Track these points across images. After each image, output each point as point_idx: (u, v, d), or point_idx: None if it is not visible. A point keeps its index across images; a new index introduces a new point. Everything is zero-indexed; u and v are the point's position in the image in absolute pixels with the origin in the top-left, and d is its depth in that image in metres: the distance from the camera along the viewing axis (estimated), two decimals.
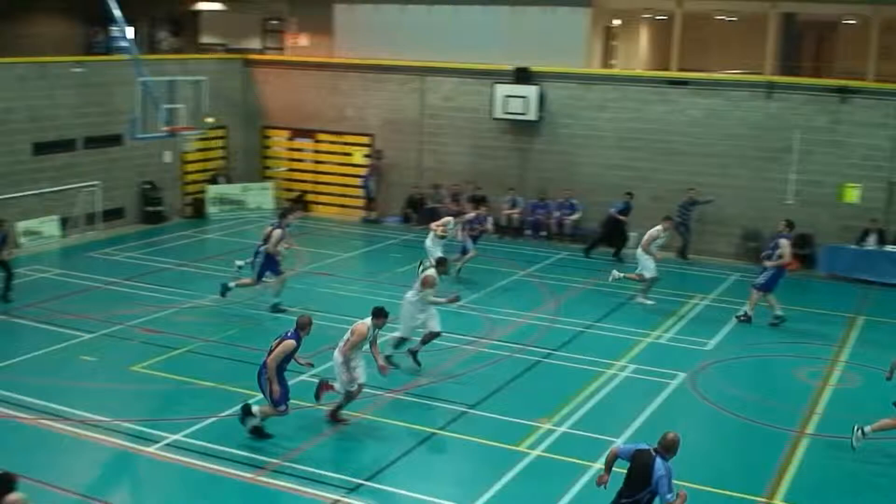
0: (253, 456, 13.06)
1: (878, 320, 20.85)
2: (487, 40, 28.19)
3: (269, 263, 19.61)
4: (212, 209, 29.71)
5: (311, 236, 27.15)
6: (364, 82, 30.05)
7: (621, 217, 25.50)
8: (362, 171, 30.03)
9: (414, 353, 16.54)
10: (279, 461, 12.94)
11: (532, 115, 27.46)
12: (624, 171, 27.03)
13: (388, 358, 15.58)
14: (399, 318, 16.50)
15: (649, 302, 21.17)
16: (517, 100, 27.43)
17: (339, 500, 12.00)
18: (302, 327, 13.51)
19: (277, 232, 19.52)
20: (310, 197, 30.97)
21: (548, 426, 14.39)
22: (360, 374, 14.04)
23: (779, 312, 19.96)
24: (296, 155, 31.50)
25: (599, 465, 13.06)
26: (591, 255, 25.67)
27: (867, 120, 24.76)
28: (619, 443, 10.31)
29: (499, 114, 27.77)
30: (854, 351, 18.76)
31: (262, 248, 19.61)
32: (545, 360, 17.51)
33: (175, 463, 12.93)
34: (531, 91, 27.41)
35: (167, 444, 13.40)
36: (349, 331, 14.07)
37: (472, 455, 13.57)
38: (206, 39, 33.35)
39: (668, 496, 9.77)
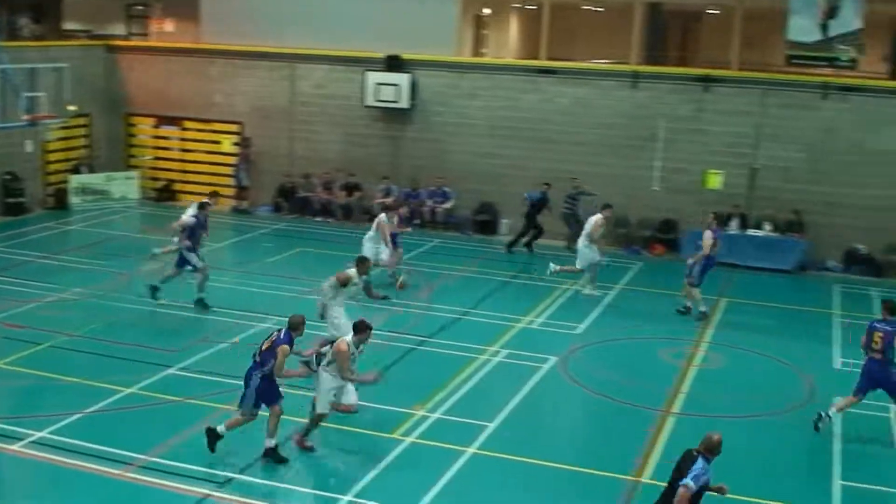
0: (120, 452, 12.70)
1: (740, 302, 21.56)
2: (358, 27, 27.95)
3: (190, 252, 19.02)
4: (75, 200, 28.75)
5: None
6: (232, 69, 29.54)
7: (533, 209, 25.15)
8: (231, 160, 29.58)
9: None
10: (147, 457, 12.62)
11: (404, 103, 27.44)
12: (495, 159, 27.28)
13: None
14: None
15: (597, 293, 21.43)
16: (389, 87, 27.37)
17: (209, 495, 11.80)
18: (294, 328, 12.85)
19: (191, 220, 18.98)
20: (177, 186, 30.32)
21: (422, 413, 14.43)
22: (353, 398, 13.17)
23: (684, 306, 20.35)
24: (162, 143, 30.78)
25: (474, 449, 13.21)
26: (533, 248, 25.28)
27: (730, 108, 25.53)
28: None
29: (371, 101, 27.66)
30: (717, 332, 19.35)
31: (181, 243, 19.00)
32: (419, 347, 17.55)
33: (40, 460, 12.51)
34: (403, 79, 27.38)
35: (32, 442, 12.96)
36: (330, 353, 13.08)
37: (346, 445, 13.49)
38: (69, 26, 32.26)
39: (688, 480, 9.64)
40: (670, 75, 26.43)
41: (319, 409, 13.06)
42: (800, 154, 25.15)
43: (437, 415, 14.43)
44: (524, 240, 25.39)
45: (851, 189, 24.81)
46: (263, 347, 12.77)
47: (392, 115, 27.95)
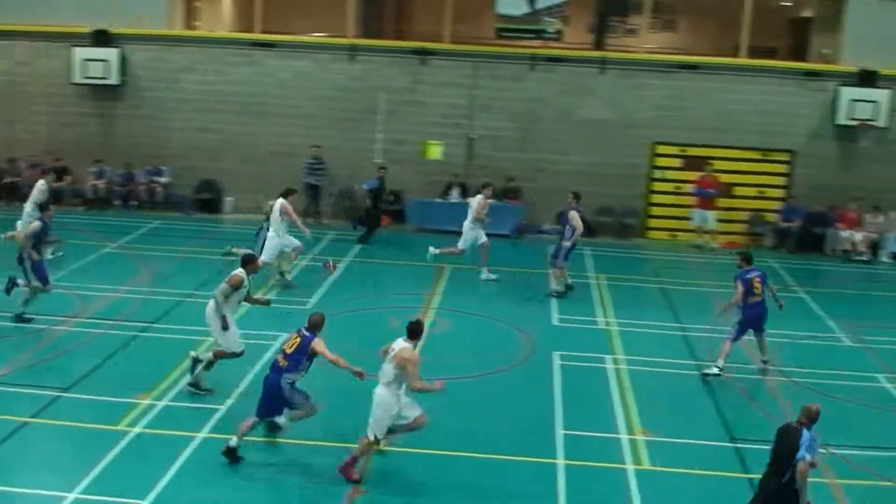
0: None
1: (463, 268, 22.17)
2: (62, 0, 26.44)
3: (36, 264, 17.01)
4: None
5: None
6: None
7: (374, 198, 24.40)
8: None
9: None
10: None
11: (114, 80, 26.32)
12: (214, 134, 26.72)
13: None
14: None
15: (494, 276, 21.31)
16: (97, 63, 26.16)
17: None
18: (317, 327, 12.42)
19: (36, 224, 17.11)
20: None
21: (148, 402, 13.92)
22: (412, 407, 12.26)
23: (565, 285, 20.55)
24: None
25: (205, 434, 12.89)
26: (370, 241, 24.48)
27: (445, 80, 26.21)
28: None
29: (78, 79, 26.34)
30: (443, 298, 19.88)
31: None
32: (142, 333, 16.92)
33: None
34: (112, 54, 26.24)
35: None
36: (393, 364, 12.07)
37: (69, 440, 12.83)
38: None
39: (803, 453, 9.76)
40: (387, 48, 26.78)
41: (376, 434, 12.06)
42: (510, 123, 26.23)
43: (164, 402, 13.96)
44: (370, 230, 24.71)
45: (559, 156, 26.16)
46: (288, 351, 12.27)
47: (102, 93, 26.74)
